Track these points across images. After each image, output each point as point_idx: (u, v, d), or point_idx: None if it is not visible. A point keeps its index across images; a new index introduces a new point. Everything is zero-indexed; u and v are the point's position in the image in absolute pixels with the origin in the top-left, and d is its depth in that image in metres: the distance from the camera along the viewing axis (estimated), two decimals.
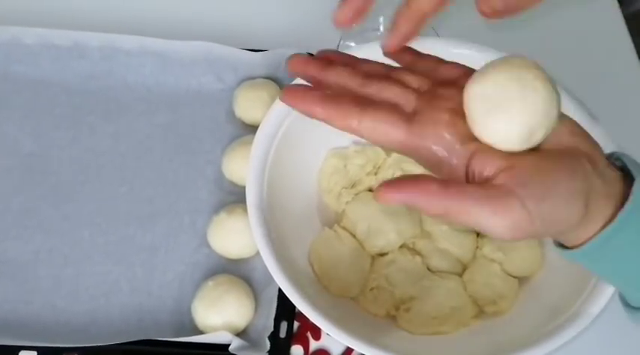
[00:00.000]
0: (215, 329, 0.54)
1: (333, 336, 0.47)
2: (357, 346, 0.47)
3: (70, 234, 0.61)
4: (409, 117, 0.39)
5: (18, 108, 0.67)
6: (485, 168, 0.37)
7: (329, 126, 0.54)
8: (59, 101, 0.68)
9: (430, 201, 0.36)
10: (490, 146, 0.37)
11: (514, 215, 0.35)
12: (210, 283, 0.56)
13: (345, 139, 0.60)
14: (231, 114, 0.67)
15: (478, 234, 0.59)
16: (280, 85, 0.67)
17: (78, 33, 0.67)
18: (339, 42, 0.64)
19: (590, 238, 0.38)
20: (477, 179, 0.37)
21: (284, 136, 0.55)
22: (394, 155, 0.60)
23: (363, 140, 0.42)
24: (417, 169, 0.49)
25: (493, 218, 0.35)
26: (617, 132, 0.53)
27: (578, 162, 0.37)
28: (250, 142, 0.54)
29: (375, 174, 0.60)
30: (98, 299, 0.58)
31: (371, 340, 0.47)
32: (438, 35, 0.63)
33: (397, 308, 0.55)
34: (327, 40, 0.65)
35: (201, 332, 0.55)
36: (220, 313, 0.54)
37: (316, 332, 0.57)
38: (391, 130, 0.39)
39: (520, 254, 0.56)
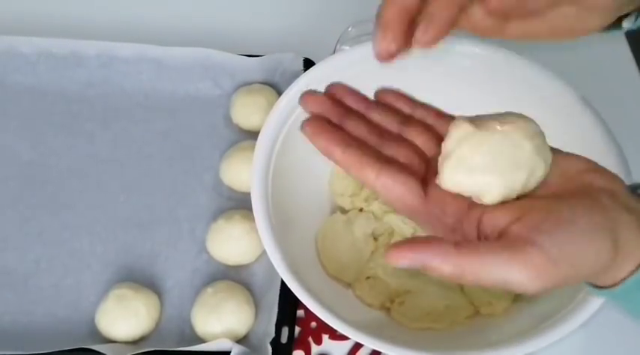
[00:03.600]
0: (215, 336, 0.54)
1: (330, 324, 0.47)
2: (353, 335, 0.47)
3: (69, 242, 0.61)
4: (422, 186, 0.39)
5: (15, 116, 0.67)
6: (495, 225, 0.35)
7: None
8: (57, 109, 0.68)
9: (444, 260, 0.34)
10: (497, 205, 0.36)
11: (534, 260, 0.33)
12: (209, 290, 0.56)
13: None
14: (228, 119, 0.67)
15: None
16: (277, 90, 0.67)
17: (75, 41, 0.67)
18: (336, 46, 0.64)
19: (625, 278, 0.35)
20: (490, 239, 0.36)
21: (285, 139, 0.55)
22: None
23: None
24: None
25: (511, 268, 0.33)
26: (615, 134, 0.53)
27: (593, 197, 0.35)
28: (248, 148, 0.54)
29: None
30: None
31: (366, 330, 0.47)
32: None
33: (392, 301, 0.56)
34: (323, 44, 0.66)
35: (201, 339, 0.55)
36: (220, 320, 0.54)
37: (318, 337, 0.57)
38: (407, 195, 0.38)
39: None
